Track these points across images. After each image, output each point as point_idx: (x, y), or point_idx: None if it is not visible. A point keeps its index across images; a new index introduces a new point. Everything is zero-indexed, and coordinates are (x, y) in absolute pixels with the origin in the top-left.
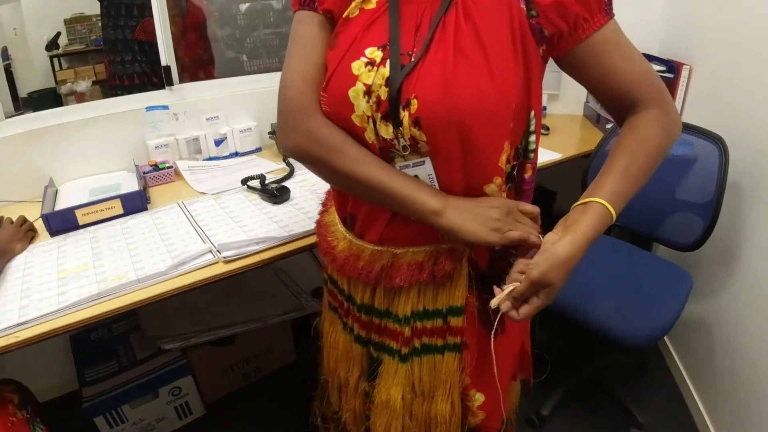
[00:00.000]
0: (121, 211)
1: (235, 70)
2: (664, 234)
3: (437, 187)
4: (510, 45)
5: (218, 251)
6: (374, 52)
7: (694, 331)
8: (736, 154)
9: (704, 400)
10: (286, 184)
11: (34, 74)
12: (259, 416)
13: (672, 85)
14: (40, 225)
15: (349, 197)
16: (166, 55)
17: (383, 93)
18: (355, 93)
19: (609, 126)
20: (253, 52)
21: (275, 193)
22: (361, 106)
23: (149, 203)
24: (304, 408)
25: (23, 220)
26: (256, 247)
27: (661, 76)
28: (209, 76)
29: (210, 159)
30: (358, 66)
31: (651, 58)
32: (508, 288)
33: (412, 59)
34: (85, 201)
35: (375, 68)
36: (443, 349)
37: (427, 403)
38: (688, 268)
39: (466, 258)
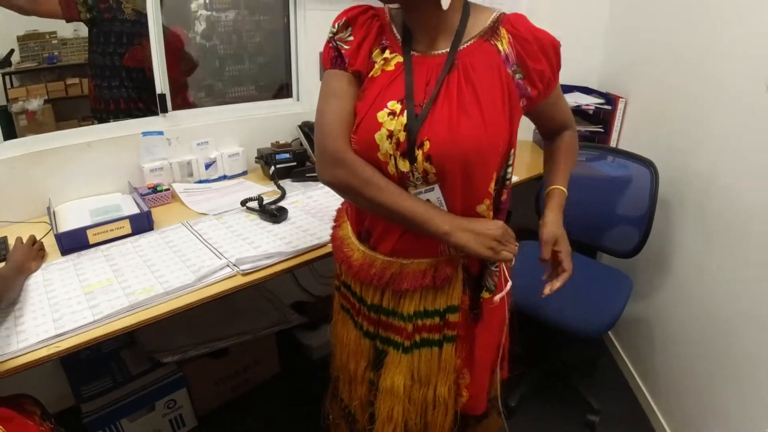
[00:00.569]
0: (129, 231)
1: (215, 96)
2: (606, 243)
3: (445, 208)
4: (500, 102)
5: (235, 265)
6: (394, 105)
7: (635, 328)
8: (666, 174)
9: (647, 386)
10: (281, 204)
11: None
12: (250, 426)
13: (610, 116)
14: (48, 243)
15: (367, 216)
16: (162, 84)
17: (402, 136)
18: (380, 136)
19: None
20: (232, 80)
21: (275, 213)
22: (385, 146)
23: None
24: (295, 416)
25: (34, 240)
26: (268, 261)
27: (600, 108)
28: (184, 101)
29: (201, 182)
30: (382, 115)
31: (591, 91)
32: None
33: (423, 109)
34: (87, 221)
35: (396, 117)
36: (441, 342)
37: (424, 389)
38: (628, 272)
39: (461, 265)
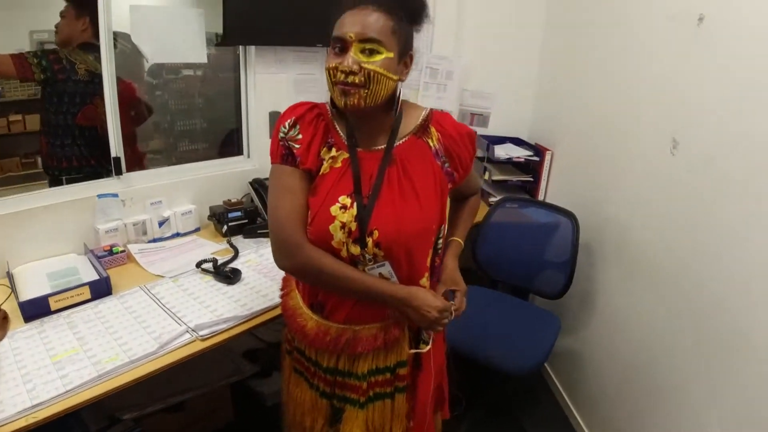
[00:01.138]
0: (89, 296)
1: (168, 152)
2: (537, 286)
3: (397, 280)
4: (433, 190)
5: (194, 331)
6: (345, 199)
7: (568, 360)
8: (587, 221)
9: (580, 411)
10: (234, 265)
11: None
12: None
13: (539, 166)
14: (9, 307)
15: (320, 290)
16: (116, 147)
17: (353, 226)
18: (334, 228)
19: (492, 200)
20: (183, 135)
21: (230, 275)
22: (338, 235)
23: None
24: None
25: (4, 314)
26: (225, 325)
27: (530, 160)
28: (136, 154)
29: (154, 240)
30: (334, 209)
31: (522, 143)
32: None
33: (369, 200)
34: (46, 285)
35: (347, 210)
36: (393, 394)
37: None
38: (558, 312)
39: (407, 326)
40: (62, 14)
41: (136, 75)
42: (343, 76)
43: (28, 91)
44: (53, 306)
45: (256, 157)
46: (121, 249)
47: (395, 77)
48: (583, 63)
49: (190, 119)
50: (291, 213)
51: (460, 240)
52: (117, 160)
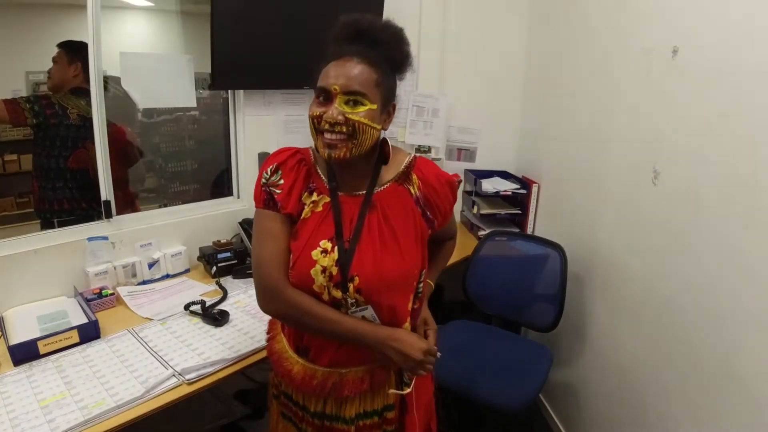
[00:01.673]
0: (77, 340)
1: (159, 191)
2: (528, 319)
3: (380, 322)
4: (413, 236)
5: (181, 374)
6: (326, 244)
7: (562, 391)
8: (574, 253)
9: None
10: (223, 306)
11: None
12: None
13: (526, 199)
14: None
15: (304, 333)
16: (107, 191)
17: (334, 270)
18: (315, 272)
19: (482, 234)
20: (175, 177)
21: (217, 317)
22: (320, 279)
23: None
24: None
25: None
26: (211, 369)
27: (517, 193)
28: (127, 196)
29: (144, 282)
30: (315, 254)
31: (509, 176)
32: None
33: (350, 245)
34: (35, 328)
35: (328, 254)
36: None
37: None
38: (550, 343)
39: (392, 370)
40: (54, 60)
41: (128, 117)
42: (327, 125)
43: (23, 131)
44: (42, 350)
45: (246, 198)
46: (110, 292)
47: (379, 126)
48: (564, 97)
49: (181, 160)
50: (272, 257)
51: (431, 282)
52: (107, 203)
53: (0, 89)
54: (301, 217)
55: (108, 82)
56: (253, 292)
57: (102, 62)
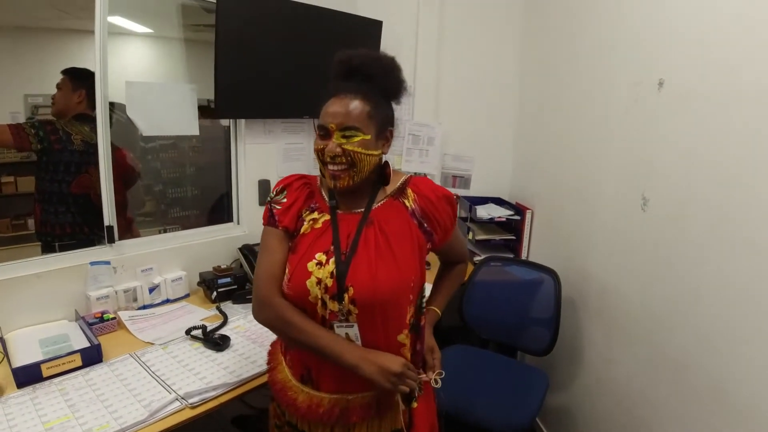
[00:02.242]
0: (80, 363)
1: (158, 217)
2: (524, 343)
3: (360, 343)
4: (410, 248)
5: (183, 398)
6: (321, 256)
7: (558, 414)
8: (568, 278)
9: None
10: (223, 331)
11: None
12: None
13: (520, 225)
14: (1, 372)
15: (308, 360)
16: (110, 216)
17: (329, 282)
18: (311, 283)
19: (477, 259)
20: (175, 202)
21: (219, 342)
22: (315, 290)
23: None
24: None
25: None
26: (214, 393)
27: (512, 219)
28: (126, 221)
29: (144, 307)
30: (311, 265)
31: (503, 202)
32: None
33: (347, 257)
34: (37, 351)
35: (323, 266)
36: None
37: None
38: (546, 367)
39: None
40: (58, 86)
41: (131, 143)
42: (329, 158)
43: (21, 153)
44: (45, 373)
45: (246, 224)
46: (111, 316)
47: (377, 152)
48: (556, 126)
49: (181, 186)
50: (266, 270)
51: (437, 309)
52: (110, 228)
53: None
54: (300, 232)
55: (112, 109)
56: (252, 317)
57: (108, 89)
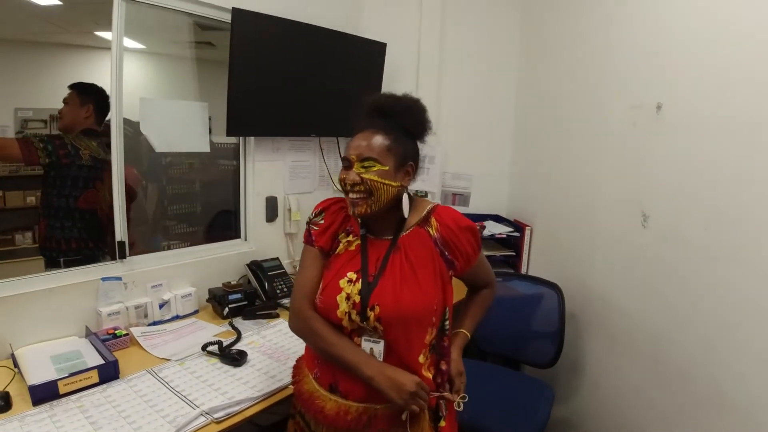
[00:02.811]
0: (97, 380)
1: (161, 234)
2: (527, 356)
3: (382, 359)
4: (432, 274)
5: (208, 414)
6: (352, 275)
7: (562, 427)
8: (570, 292)
9: None
10: (238, 346)
11: None
12: None
13: (520, 241)
14: (15, 389)
15: (335, 370)
16: (121, 232)
17: (357, 298)
18: (341, 298)
19: None
20: (180, 218)
21: (237, 357)
22: (343, 305)
23: None
24: None
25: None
26: (238, 408)
27: (511, 235)
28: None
29: (154, 323)
30: (343, 282)
31: (502, 219)
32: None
33: (374, 279)
34: (50, 368)
35: (353, 284)
36: None
37: None
38: (549, 379)
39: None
40: (65, 101)
41: (138, 158)
42: (349, 186)
43: (9, 168)
44: (62, 390)
45: (253, 240)
46: (124, 332)
47: (395, 184)
48: (554, 146)
49: (189, 203)
50: (301, 285)
51: (466, 332)
52: (122, 244)
53: None
54: (336, 252)
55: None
56: (266, 333)
57: (123, 106)
